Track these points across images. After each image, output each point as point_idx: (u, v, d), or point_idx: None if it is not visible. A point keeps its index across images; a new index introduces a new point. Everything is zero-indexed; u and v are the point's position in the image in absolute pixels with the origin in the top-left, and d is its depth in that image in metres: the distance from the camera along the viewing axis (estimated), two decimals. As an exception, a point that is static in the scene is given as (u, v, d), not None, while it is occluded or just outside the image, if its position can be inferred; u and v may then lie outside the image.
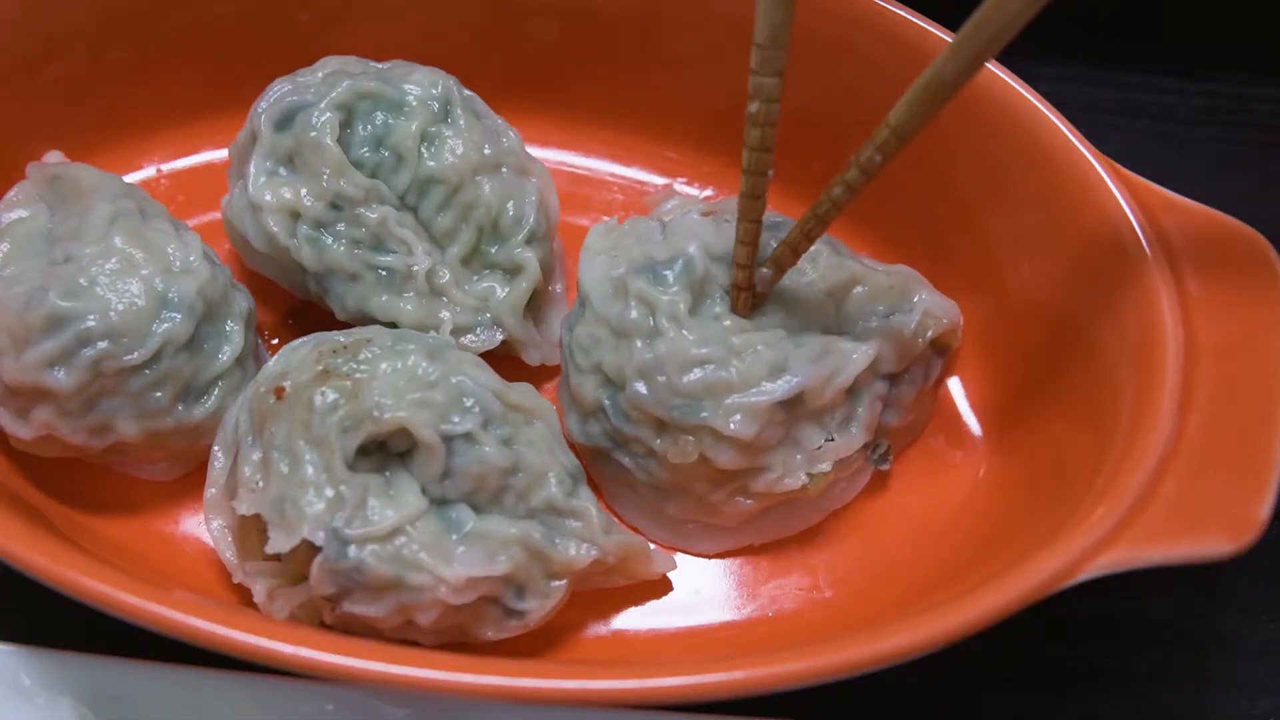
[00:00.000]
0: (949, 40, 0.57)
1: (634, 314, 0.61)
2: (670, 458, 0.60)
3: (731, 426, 0.59)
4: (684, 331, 0.60)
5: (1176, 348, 0.57)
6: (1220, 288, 0.58)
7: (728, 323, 0.61)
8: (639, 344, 0.61)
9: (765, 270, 0.61)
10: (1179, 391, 0.55)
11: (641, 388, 0.60)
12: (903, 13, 0.69)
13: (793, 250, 0.60)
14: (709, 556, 0.64)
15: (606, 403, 0.62)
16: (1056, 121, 0.65)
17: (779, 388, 0.59)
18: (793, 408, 0.60)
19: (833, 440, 0.62)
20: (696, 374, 0.59)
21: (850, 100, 0.71)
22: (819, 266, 0.63)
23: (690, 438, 0.60)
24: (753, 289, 0.61)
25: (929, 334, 0.65)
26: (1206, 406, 0.55)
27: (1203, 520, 0.51)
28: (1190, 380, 0.56)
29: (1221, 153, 0.89)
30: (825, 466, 0.61)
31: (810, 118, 0.71)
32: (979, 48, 0.49)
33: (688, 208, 0.68)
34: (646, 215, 0.69)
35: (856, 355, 0.61)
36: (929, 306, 0.65)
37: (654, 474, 0.62)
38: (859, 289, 0.64)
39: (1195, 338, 0.57)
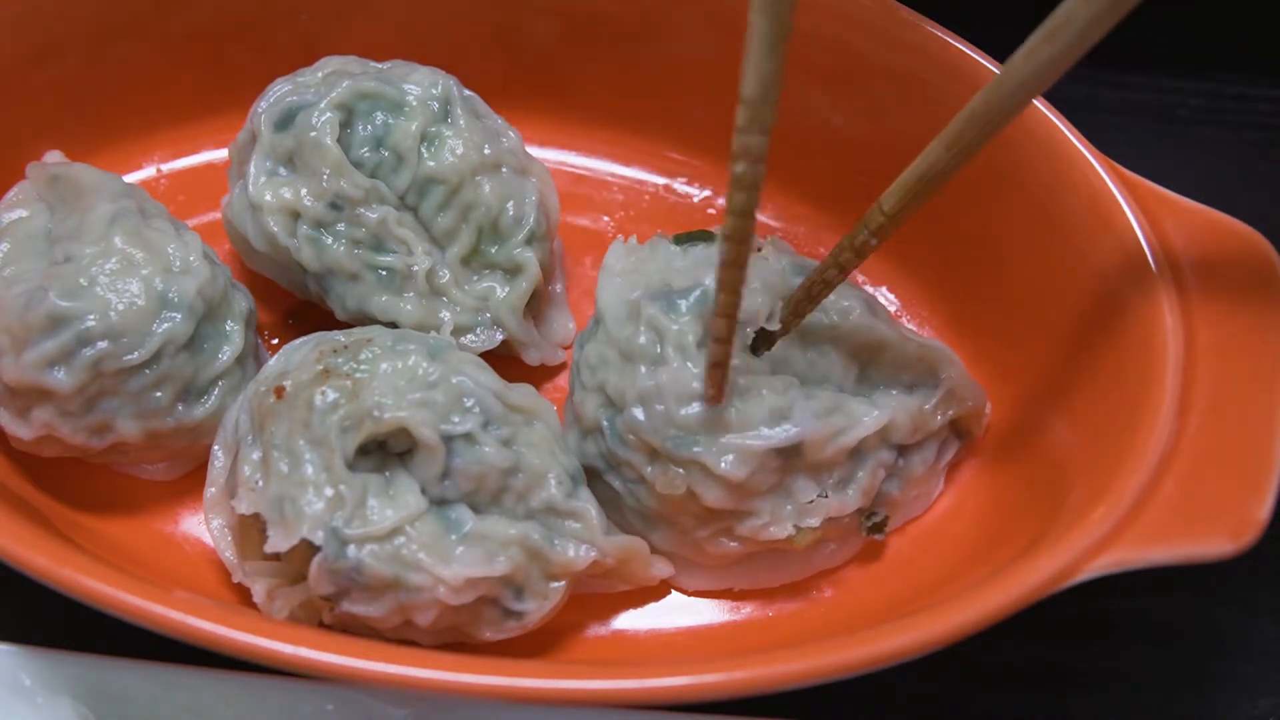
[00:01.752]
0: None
1: (642, 339, 0.60)
2: (659, 487, 0.59)
3: (723, 466, 0.58)
4: (689, 364, 0.59)
5: (1176, 348, 0.57)
6: (1220, 288, 0.58)
7: (736, 361, 0.59)
8: (643, 369, 0.60)
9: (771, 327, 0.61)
10: (1179, 391, 0.55)
11: (639, 413, 0.59)
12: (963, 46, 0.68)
13: (795, 313, 0.60)
14: (687, 593, 0.64)
15: (605, 424, 0.61)
16: (1056, 121, 0.65)
17: (776, 434, 0.58)
18: (789, 457, 0.59)
19: (825, 497, 0.60)
20: (695, 408, 0.58)
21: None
22: (849, 323, 0.62)
23: (681, 470, 0.59)
24: (727, 365, 0.58)
25: (949, 413, 0.64)
26: (1206, 406, 0.55)
27: (1203, 520, 0.51)
28: (1190, 380, 0.56)
29: (1221, 153, 0.89)
30: (814, 522, 0.60)
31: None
32: (972, 138, 0.51)
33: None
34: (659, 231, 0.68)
35: (867, 419, 0.60)
36: (955, 387, 0.64)
37: (642, 501, 0.61)
38: (886, 355, 0.63)
39: (1195, 338, 0.57)
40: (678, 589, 0.64)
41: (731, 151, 0.50)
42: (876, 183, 0.57)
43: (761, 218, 0.76)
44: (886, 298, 0.75)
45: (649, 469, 0.60)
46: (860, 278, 0.74)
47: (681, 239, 0.66)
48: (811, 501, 0.60)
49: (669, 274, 0.63)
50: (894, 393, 0.63)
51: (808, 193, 0.77)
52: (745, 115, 0.49)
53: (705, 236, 0.66)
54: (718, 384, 0.58)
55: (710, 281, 0.60)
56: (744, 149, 0.50)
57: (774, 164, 0.51)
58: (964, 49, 0.68)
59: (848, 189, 0.74)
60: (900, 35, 0.69)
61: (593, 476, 0.63)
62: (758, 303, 0.60)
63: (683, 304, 0.61)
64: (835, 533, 0.62)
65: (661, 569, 0.62)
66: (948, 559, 0.64)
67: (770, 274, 0.62)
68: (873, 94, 0.72)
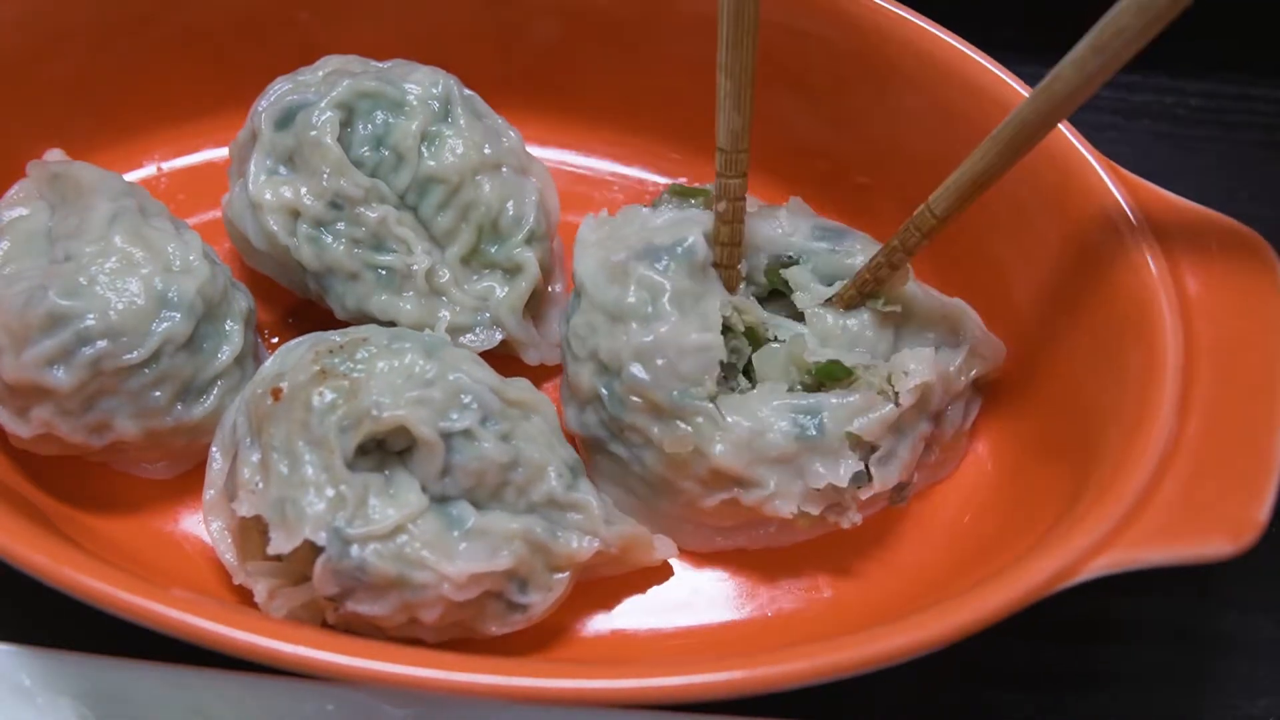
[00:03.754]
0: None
1: (632, 298, 0.60)
2: (667, 446, 0.59)
3: (730, 418, 0.58)
4: (689, 316, 0.60)
5: (1176, 348, 0.57)
6: (1220, 288, 0.58)
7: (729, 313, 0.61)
8: (635, 326, 0.60)
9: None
10: (1179, 391, 0.55)
11: (639, 370, 0.59)
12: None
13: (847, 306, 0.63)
14: (698, 554, 0.64)
15: (603, 391, 0.61)
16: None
17: (790, 399, 0.59)
18: (806, 435, 0.59)
19: (869, 477, 0.60)
20: (701, 359, 0.59)
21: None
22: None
23: (688, 427, 0.59)
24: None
25: (973, 372, 0.65)
26: (1206, 406, 0.55)
27: (1202, 520, 0.51)
28: (1190, 380, 0.56)
29: (1221, 153, 0.89)
30: (854, 515, 0.60)
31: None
32: (1021, 142, 0.54)
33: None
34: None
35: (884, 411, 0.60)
36: (977, 344, 0.65)
37: (648, 466, 0.61)
38: (914, 315, 0.64)
39: (1195, 338, 0.57)
40: (687, 551, 0.64)
41: (715, 193, 0.61)
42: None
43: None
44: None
45: (655, 429, 0.60)
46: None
47: (678, 190, 0.67)
48: (821, 489, 0.59)
49: (648, 234, 0.63)
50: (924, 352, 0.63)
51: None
52: (722, 161, 0.60)
53: (701, 193, 0.66)
54: None
55: (693, 236, 0.62)
56: (725, 189, 0.61)
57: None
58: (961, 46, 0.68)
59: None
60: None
61: (596, 448, 0.63)
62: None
63: (669, 259, 0.61)
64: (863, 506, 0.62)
65: (664, 550, 0.62)
66: (947, 560, 0.64)
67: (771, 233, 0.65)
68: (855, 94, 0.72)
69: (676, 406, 0.59)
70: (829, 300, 0.63)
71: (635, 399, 0.60)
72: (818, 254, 0.65)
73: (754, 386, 0.62)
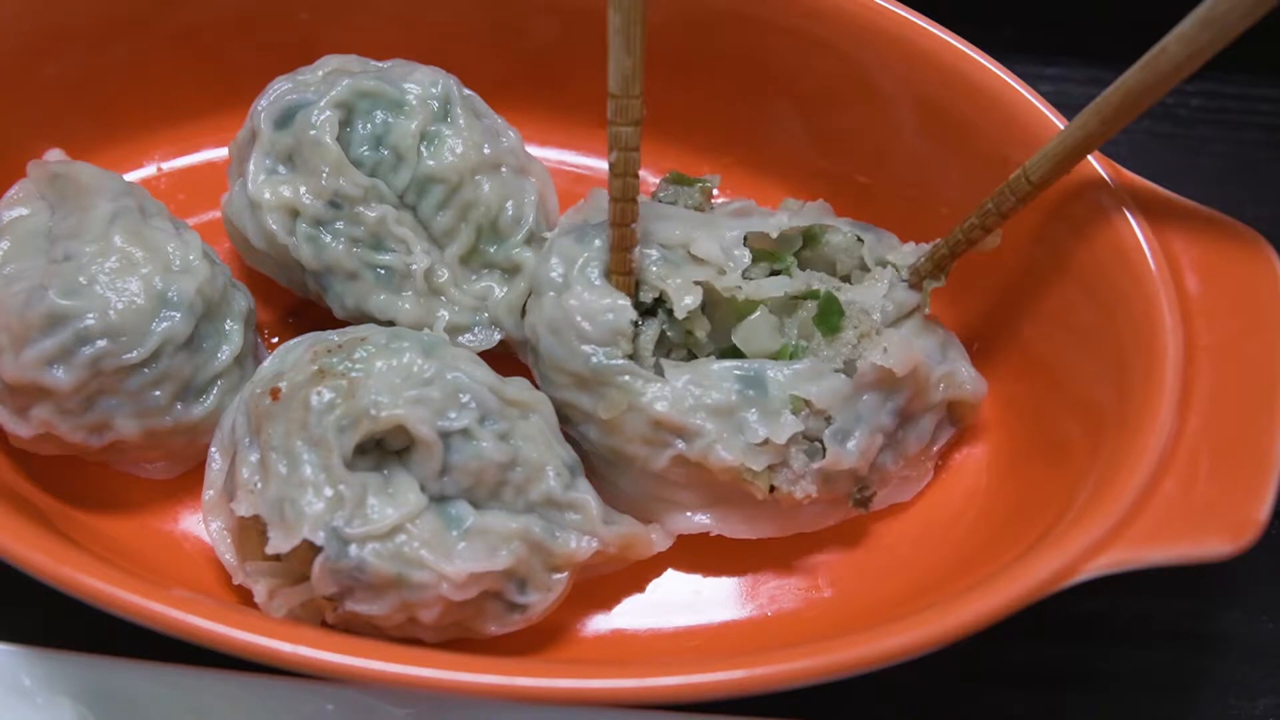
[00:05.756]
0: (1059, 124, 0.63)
1: (552, 273, 0.61)
2: (601, 413, 0.59)
3: (670, 376, 0.58)
4: (597, 285, 0.60)
5: (1176, 348, 0.57)
6: (1220, 288, 0.58)
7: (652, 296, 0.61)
8: (550, 296, 0.60)
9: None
10: (1179, 391, 0.55)
11: (552, 343, 0.60)
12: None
13: (938, 266, 0.63)
14: (697, 553, 0.63)
15: (535, 372, 0.62)
16: (1057, 121, 0.64)
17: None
18: (744, 384, 0.60)
19: (822, 449, 0.60)
20: (607, 320, 0.59)
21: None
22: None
23: (615, 388, 0.59)
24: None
25: (948, 391, 0.65)
26: (1206, 406, 0.55)
27: (1202, 520, 0.51)
28: (1190, 380, 0.56)
29: (1222, 153, 0.89)
30: (757, 465, 0.59)
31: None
32: (1126, 110, 0.54)
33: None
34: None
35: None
36: (958, 369, 0.65)
37: (594, 442, 0.61)
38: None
39: (1195, 338, 0.57)
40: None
41: (609, 144, 0.56)
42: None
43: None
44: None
45: (585, 400, 0.60)
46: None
47: (675, 178, 0.67)
48: (764, 443, 0.59)
49: (589, 213, 0.63)
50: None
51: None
52: (613, 107, 0.56)
53: (699, 182, 0.66)
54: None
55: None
56: (616, 138, 0.57)
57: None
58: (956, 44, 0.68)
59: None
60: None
61: (567, 438, 0.63)
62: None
63: (593, 235, 0.61)
64: (825, 495, 0.62)
65: (661, 542, 0.62)
66: (948, 559, 0.64)
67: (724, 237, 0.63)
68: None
69: (596, 372, 0.59)
70: (913, 266, 0.63)
71: (559, 375, 0.60)
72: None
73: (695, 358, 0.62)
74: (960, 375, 0.65)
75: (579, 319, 0.60)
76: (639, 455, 0.61)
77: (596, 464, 0.63)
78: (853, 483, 0.62)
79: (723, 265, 0.62)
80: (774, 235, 0.63)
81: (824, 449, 0.60)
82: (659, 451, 0.60)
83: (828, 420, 0.60)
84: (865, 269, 0.65)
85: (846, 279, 0.65)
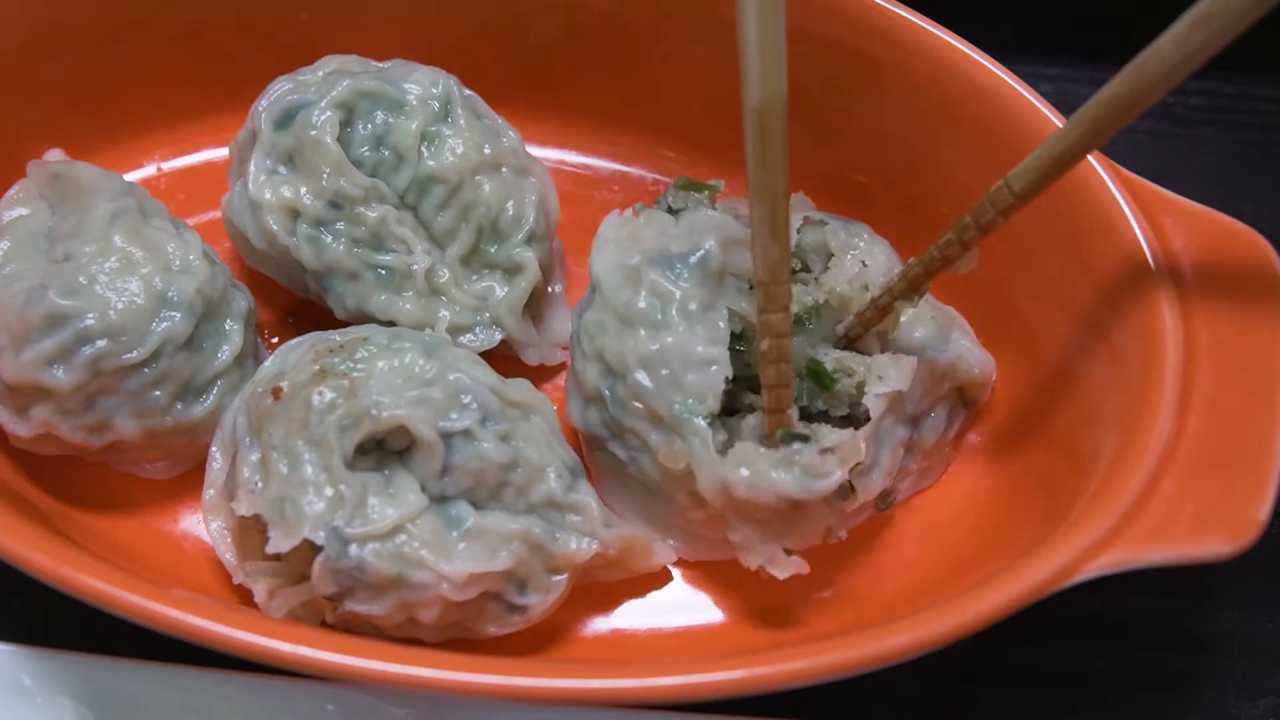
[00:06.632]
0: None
1: (643, 304, 0.60)
2: (660, 456, 0.59)
3: (732, 455, 0.57)
4: (695, 328, 0.59)
5: (1176, 348, 0.57)
6: (1220, 288, 0.58)
7: (739, 329, 0.60)
8: (643, 333, 0.60)
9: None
10: (1179, 392, 0.55)
11: (644, 378, 0.59)
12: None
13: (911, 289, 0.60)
14: (688, 561, 0.64)
15: (606, 392, 0.61)
16: (1056, 121, 0.65)
17: (786, 482, 0.57)
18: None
19: (852, 491, 0.59)
20: (705, 374, 0.58)
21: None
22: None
23: (684, 444, 0.58)
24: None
25: (957, 377, 0.65)
26: (1206, 407, 0.55)
27: (1202, 520, 0.51)
28: (1190, 380, 0.56)
29: (1222, 153, 0.89)
30: (839, 531, 0.59)
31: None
32: (1110, 122, 0.50)
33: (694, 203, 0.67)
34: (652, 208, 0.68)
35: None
36: (964, 352, 0.65)
37: (645, 470, 0.61)
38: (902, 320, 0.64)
39: (1195, 338, 0.57)
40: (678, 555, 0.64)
41: (759, 331, 0.56)
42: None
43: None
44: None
45: (653, 436, 0.59)
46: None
47: (684, 184, 0.67)
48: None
49: (665, 240, 0.63)
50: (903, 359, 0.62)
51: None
52: (763, 296, 0.55)
53: (707, 188, 0.66)
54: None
55: (709, 244, 0.61)
56: (765, 326, 0.56)
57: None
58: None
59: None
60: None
61: (596, 445, 0.63)
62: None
63: (682, 268, 0.61)
64: (850, 510, 0.62)
65: (664, 556, 0.62)
66: (948, 559, 0.64)
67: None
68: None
69: (675, 420, 0.58)
70: (886, 285, 0.61)
71: (637, 404, 0.60)
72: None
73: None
74: (967, 359, 0.65)
75: (677, 363, 0.58)
76: (681, 502, 0.60)
77: (632, 485, 0.62)
78: (880, 497, 0.63)
79: None
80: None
81: (852, 487, 0.59)
82: (700, 510, 0.60)
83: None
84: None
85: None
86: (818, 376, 0.60)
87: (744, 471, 0.57)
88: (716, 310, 0.61)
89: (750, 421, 0.60)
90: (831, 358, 0.61)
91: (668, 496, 0.61)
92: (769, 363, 0.56)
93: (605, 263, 0.63)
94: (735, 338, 0.60)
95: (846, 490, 0.59)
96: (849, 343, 0.62)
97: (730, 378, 0.59)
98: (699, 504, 0.60)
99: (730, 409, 0.60)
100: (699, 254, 0.61)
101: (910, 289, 0.59)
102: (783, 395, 0.57)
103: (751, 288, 0.61)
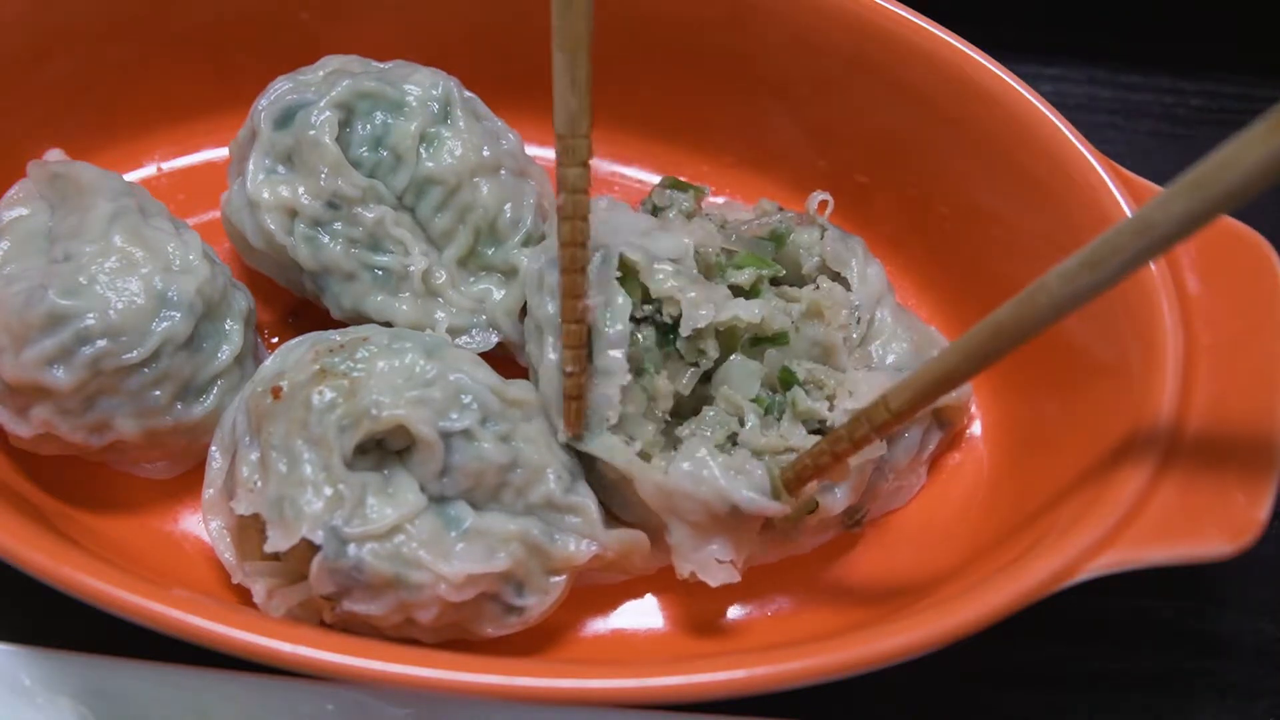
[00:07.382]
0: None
1: (550, 308, 0.60)
2: (601, 468, 0.59)
3: (678, 454, 0.57)
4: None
5: (1176, 348, 0.57)
6: (1220, 288, 0.58)
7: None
8: (550, 340, 0.59)
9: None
10: (1179, 391, 0.55)
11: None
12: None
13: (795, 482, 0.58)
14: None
15: None
16: (1056, 121, 0.65)
17: (707, 482, 0.57)
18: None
19: (815, 503, 0.59)
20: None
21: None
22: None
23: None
24: (581, 398, 0.58)
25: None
26: (1206, 406, 0.55)
27: (1203, 520, 0.51)
28: (1190, 380, 0.56)
29: (1221, 153, 0.89)
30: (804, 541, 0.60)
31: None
32: (991, 350, 0.49)
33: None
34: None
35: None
36: None
37: (600, 472, 0.61)
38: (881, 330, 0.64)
39: (1195, 338, 0.57)
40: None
41: (557, 184, 0.54)
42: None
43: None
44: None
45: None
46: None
47: (670, 182, 0.67)
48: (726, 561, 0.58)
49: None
50: (878, 375, 0.62)
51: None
52: (560, 149, 0.54)
53: (692, 188, 0.66)
54: (576, 415, 0.58)
55: (614, 241, 0.60)
56: (563, 179, 0.54)
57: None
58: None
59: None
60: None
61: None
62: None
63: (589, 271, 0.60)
64: (819, 529, 0.62)
65: (661, 558, 0.62)
66: (948, 559, 0.64)
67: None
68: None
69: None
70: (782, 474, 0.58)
71: None
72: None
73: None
74: None
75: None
76: (632, 497, 0.60)
77: (596, 479, 0.62)
78: (847, 514, 0.62)
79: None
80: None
81: (815, 503, 0.59)
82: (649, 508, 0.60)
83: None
84: (826, 270, 0.65)
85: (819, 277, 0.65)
86: (789, 380, 0.61)
87: (684, 466, 0.57)
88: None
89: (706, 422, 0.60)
90: (804, 368, 0.61)
91: (624, 493, 0.60)
92: (564, 219, 0.55)
93: (528, 262, 0.64)
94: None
95: (811, 504, 0.59)
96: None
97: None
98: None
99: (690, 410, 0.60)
100: (598, 255, 0.60)
101: (787, 488, 0.58)
102: (576, 254, 0.56)
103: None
